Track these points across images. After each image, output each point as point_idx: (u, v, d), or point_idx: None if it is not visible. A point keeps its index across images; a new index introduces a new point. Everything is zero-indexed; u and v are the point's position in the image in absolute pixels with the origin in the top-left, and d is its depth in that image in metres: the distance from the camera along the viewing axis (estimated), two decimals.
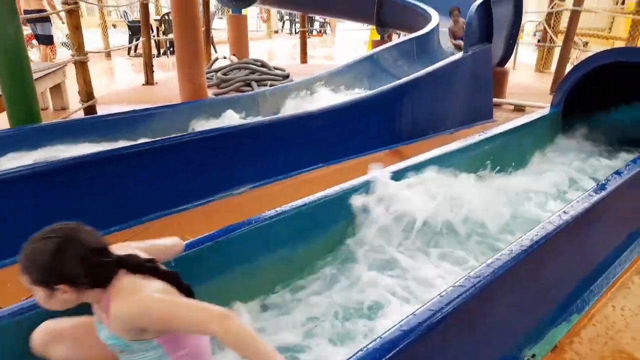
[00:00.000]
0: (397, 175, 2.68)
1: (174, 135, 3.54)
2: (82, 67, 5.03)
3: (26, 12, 7.20)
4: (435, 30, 6.36)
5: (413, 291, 2.18)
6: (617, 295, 2.29)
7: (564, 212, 2.10)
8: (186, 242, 1.97)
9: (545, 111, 4.14)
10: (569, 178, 3.42)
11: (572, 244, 2.20)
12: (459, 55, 5.07)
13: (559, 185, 3.29)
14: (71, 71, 5.34)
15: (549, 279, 2.09)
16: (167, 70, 8.97)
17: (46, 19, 7.56)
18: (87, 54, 5.05)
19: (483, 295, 1.62)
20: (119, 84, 7.93)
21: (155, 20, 10.66)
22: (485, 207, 2.71)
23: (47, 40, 7.83)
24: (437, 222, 2.54)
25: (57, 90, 5.67)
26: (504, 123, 3.81)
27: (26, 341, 1.48)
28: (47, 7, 7.51)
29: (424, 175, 2.74)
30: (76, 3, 4.79)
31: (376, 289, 2.16)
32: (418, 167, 2.82)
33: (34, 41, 8.34)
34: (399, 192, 2.56)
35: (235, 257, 2.09)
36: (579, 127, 4.11)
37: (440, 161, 2.92)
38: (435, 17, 6.68)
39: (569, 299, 2.17)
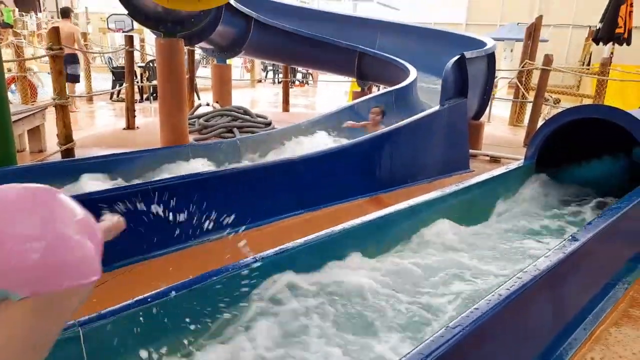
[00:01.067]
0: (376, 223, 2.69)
1: (149, 181, 3.52)
2: (62, 110, 5.02)
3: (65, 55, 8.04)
4: (413, 83, 6.60)
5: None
6: (595, 347, 2.28)
7: (539, 263, 2.12)
8: (159, 290, 1.92)
9: (520, 163, 4.27)
10: (543, 227, 3.49)
11: (547, 295, 2.21)
12: (436, 108, 5.24)
13: (533, 235, 3.35)
14: (51, 114, 5.32)
15: (526, 330, 2.08)
16: (148, 115, 9.01)
17: (76, 61, 8.96)
18: (68, 97, 5.05)
19: (463, 344, 1.59)
20: (100, 127, 7.91)
21: (140, 67, 10.82)
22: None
23: (73, 79, 8.88)
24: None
25: (36, 132, 5.62)
26: (481, 173, 3.90)
27: None
28: (76, 48, 8.69)
29: None
30: (61, 49, 4.85)
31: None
32: (398, 216, 2.84)
33: (13, 85, 8.47)
34: None
35: (212, 303, 2.03)
36: (552, 179, 4.23)
37: (419, 210, 2.95)
38: (413, 71, 6.96)
39: (547, 352, 2.15)
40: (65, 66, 8.25)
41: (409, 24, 9.86)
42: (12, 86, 8.44)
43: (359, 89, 9.75)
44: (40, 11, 23.36)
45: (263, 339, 2.06)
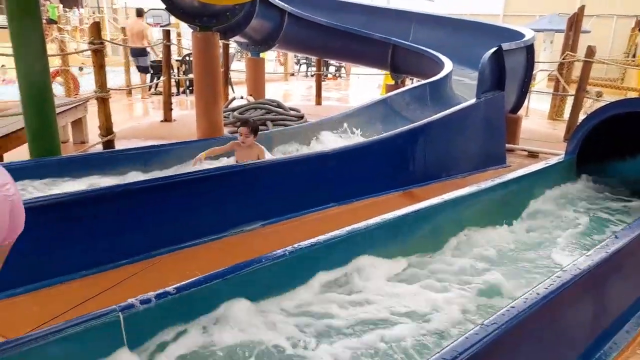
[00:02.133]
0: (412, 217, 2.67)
1: (188, 171, 3.59)
2: (103, 103, 5.19)
3: (132, 49, 9.71)
4: (448, 76, 6.47)
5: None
6: (638, 351, 2.19)
7: (579, 262, 2.05)
8: (195, 278, 1.97)
9: (560, 158, 4.13)
10: (584, 226, 3.37)
11: (587, 295, 2.14)
12: (472, 101, 5.13)
13: (573, 234, 3.24)
14: (93, 107, 5.50)
15: (566, 329, 2.02)
16: (185, 108, 9.19)
17: (144, 54, 9.94)
18: (109, 91, 5.21)
19: (498, 343, 1.56)
20: (138, 120, 8.13)
21: (177, 60, 11.02)
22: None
23: (144, 70, 10.19)
24: None
25: (78, 124, 5.83)
26: (518, 169, 3.80)
27: None
28: (145, 44, 9.94)
29: None
30: (102, 43, 5.00)
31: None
32: (432, 210, 2.80)
33: (58, 79, 8.85)
34: None
35: (244, 294, 2.06)
36: (593, 175, 4.08)
37: (453, 204, 2.90)
38: (448, 64, 6.82)
39: (587, 354, 2.09)
40: (137, 59, 9.95)
41: (444, 15, 9.66)
42: (57, 79, 8.78)
43: (392, 82, 9.63)
44: (82, 7, 24.13)
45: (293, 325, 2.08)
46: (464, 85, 6.84)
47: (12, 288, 2.40)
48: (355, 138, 5.40)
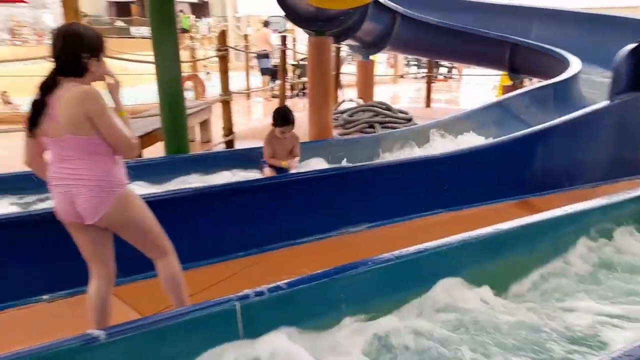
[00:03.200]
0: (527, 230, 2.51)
1: (299, 172, 3.76)
2: (226, 105, 5.63)
3: (257, 53, 10.94)
4: (576, 76, 5.94)
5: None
6: None
7: None
8: (305, 275, 2.06)
9: None
10: None
11: None
12: (603, 103, 4.65)
13: None
14: (217, 109, 5.99)
15: None
16: (297, 110, 9.57)
17: (267, 56, 10.98)
18: (231, 94, 5.64)
19: None
20: (256, 121, 8.68)
21: (292, 65, 11.54)
22: None
23: (266, 71, 11.17)
24: None
25: (205, 125, 6.40)
26: None
27: None
28: (268, 48, 11.08)
29: None
30: (226, 50, 5.42)
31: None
32: (551, 223, 2.61)
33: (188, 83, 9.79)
34: None
35: (346, 297, 2.11)
36: None
37: (578, 218, 2.67)
38: (576, 63, 6.25)
39: None
40: (260, 61, 11.14)
41: (571, 9, 8.86)
42: (187, 84, 9.70)
43: (509, 83, 9.07)
44: (210, 16, 26.32)
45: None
46: (594, 86, 6.21)
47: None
48: (466, 142, 5.20)
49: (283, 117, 4.01)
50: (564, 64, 6.41)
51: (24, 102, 8.15)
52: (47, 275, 2.52)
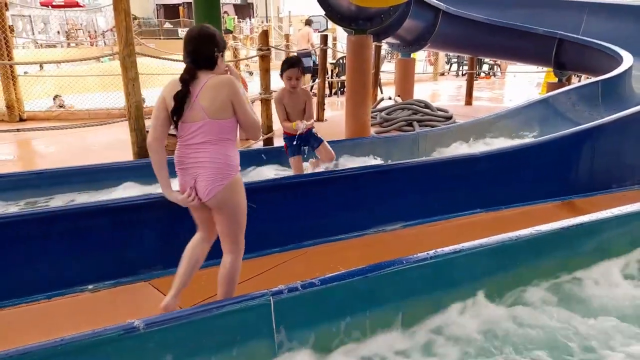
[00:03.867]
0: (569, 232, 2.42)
1: (336, 169, 3.77)
2: (266, 104, 5.72)
3: (298, 51, 10.56)
4: (627, 72, 5.65)
5: None
6: None
7: None
8: (340, 272, 2.07)
9: None
10: None
11: None
12: None
13: None
14: (256, 107, 6.09)
15: None
16: (336, 109, 9.60)
17: (308, 55, 10.56)
18: (272, 92, 5.72)
19: None
20: None
21: (331, 63, 11.57)
22: None
23: (307, 70, 10.69)
24: None
25: None
26: None
27: None
28: (309, 47, 11.06)
29: None
30: (268, 49, 5.50)
31: None
32: (596, 226, 2.51)
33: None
34: None
35: (382, 295, 2.11)
36: None
37: (625, 221, 2.55)
38: (628, 59, 5.96)
39: None
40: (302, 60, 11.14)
41: (623, 3, 8.43)
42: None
43: (554, 80, 8.75)
44: (254, 17, 26.78)
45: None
46: None
47: None
48: (507, 141, 5.06)
49: (289, 61, 3.58)
50: (615, 60, 6.12)
51: (76, 101, 8.60)
52: (92, 266, 2.64)
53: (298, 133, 3.64)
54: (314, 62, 11.05)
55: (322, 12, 5.63)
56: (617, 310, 2.25)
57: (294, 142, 3.73)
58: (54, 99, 8.65)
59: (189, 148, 2.08)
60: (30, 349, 1.56)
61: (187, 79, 2.02)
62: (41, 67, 11.66)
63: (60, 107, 8.49)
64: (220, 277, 2.23)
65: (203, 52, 2.06)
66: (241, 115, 2.10)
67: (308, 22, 12.03)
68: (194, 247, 2.26)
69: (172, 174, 2.15)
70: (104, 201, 2.86)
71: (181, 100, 2.01)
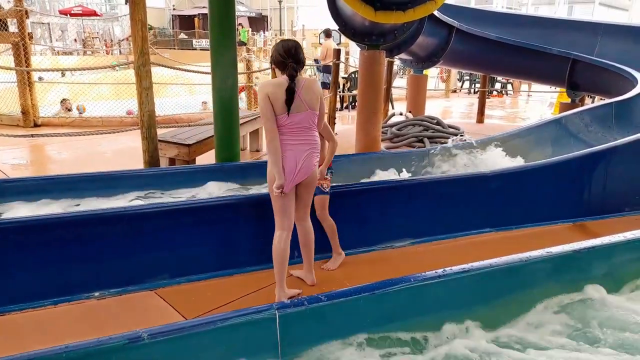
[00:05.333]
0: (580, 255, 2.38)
1: (345, 184, 3.75)
2: None
3: (323, 66, 10.29)
4: None
5: None
6: None
7: None
8: (344, 289, 2.06)
9: None
10: None
11: None
12: None
13: None
14: None
15: None
16: (346, 123, 9.62)
17: (327, 71, 9.93)
18: None
19: None
20: None
21: (342, 78, 11.62)
22: None
23: (326, 86, 10.21)
24: None
25: (255, 134, 6.54)
26: None
27: None
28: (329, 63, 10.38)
29: None
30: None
31: None
32: (609, 249, 2.47)
33: (242, 94, 10.06)
34: None
35: (389, 312, 2.08)
36: None
37: (638, 246, 2.51)
38: None
39: None
40: (324, 75, 10.60)
41: (639, 25, 8.40)
42: (242, 94, 9.98)
43: (567, 101, 8.70)
44: (267, 30, 27.10)
45: None
46: None
47: (198, 273, 2.82)
48: (518, 160, 5.02)
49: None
50: (630, 82, 6.09)
51: (90, 109, 8.72)
52: (99, 273, 2.65)
53: None
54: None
55: (336, 27, 5.66)
56: (626, 335, 2.20)
57: None
58: (61, 103, 8.75)
59: (301, 133, 2.54)
60: (35, 355, 1.55)
61: (294, 78, 2.47)
62: (63, 74, 11.81)
63: (68, 110, 8.60)
64: (305, 241, 2.77)
65: (302, 58, 2.55)
66: (322, 109, 2.66)
67: (328, 34, 11.24)
68: (282, 242, 2.58)
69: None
70: (113, 208, 2.88)
71: (291, 94, 2.45)
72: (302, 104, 2.52)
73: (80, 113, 8.66)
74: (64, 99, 8.83)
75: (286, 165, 2.50)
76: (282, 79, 2.51)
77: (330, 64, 9.77)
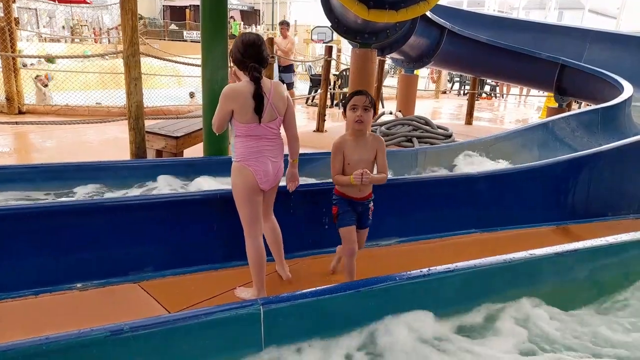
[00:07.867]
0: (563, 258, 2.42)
1: (327, 182, 3.75)
2: None
3: (280, 66, 9.75)
4: (627, 102, 5.70)
5: None
6: None
7: None
8: (329, 285, 2.06)
9: None
10: None
11: None
12: None
13: None
14: None
15: None
16: (336, 120, 9.63)
17: (290, 70, 10.10)
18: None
19: None
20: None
21: (334, 75, 11.62)
22: None
23: (289, 85, 10.31)
24: None
25: None
26: None
27: None
28: (292, 63, 10.33)
29: None
30: (273, 57, 5.52)
31: None
32: (592, 252, 2.50)
33: None
34: None
35: (373, 310, 2.09)
36: None
37: (620, 249, 2.55)
38: (628, 88, 6.01)
39: None
40: (285, 76, 10.16)
41: (628, 33, 8.54)
42: None
43: (555, 105, 8.83)
44: (259, 24, 26.94)
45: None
46: None
47: (186, 266, 2.80)
48: (505, 162, 5.07)
49: (357, 91, 2.71)
50: (616, 89, 6.18)
51: (76, 98, 8.58)
52: (82, 263, 2.61)
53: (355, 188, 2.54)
54: (312, 74, 10.90)
55: (329, 24, 5.66)
56: (609, 339, 2.24)
57: (347, 207, 2.60)
58: (35, 80, 8.59)
59: (271, 141, 2.36)
60: (14, 346, 1.53)
61: (259, 81, 2.22)
62: (52, 61, 11.59)
63: (45, 86, 8.46)
64: (274, 241, 2.72)
65: (266, 57, 2.28)
66: (290, 115, 2.45)
67: (287, 25, 10.35)
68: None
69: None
70: (97, 199, 2.85)
71: (260, 100, 2.22)
72: (274, 111, 2.30)
73: (45, 86, 8.54)
74: (37, 76, 8.66)
75: (260, 171, 2.34)
76: (246, 83, 2.23)
77: (292, 62, 9.76)
